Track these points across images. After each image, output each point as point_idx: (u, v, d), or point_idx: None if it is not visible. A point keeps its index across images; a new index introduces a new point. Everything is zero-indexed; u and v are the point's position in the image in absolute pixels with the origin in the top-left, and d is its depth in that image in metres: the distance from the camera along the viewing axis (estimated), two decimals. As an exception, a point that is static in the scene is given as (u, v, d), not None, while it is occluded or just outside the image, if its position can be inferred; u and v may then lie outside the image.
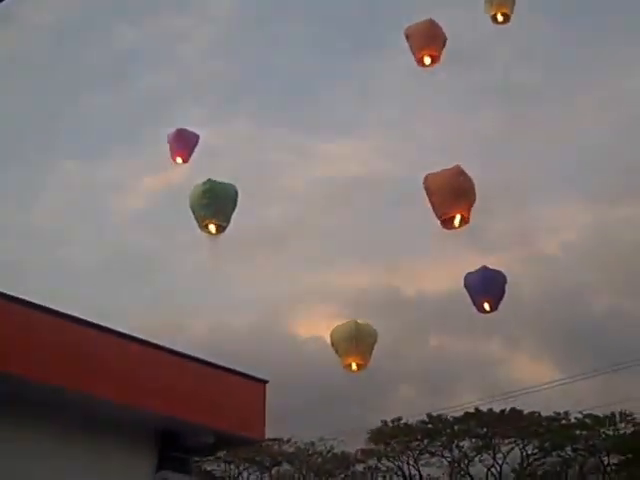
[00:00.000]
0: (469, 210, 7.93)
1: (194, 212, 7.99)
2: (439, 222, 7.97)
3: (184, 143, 9.58)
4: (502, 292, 8.56)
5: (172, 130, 9.90)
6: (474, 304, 8.36)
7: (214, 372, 22.27)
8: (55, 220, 69.50)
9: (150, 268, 71.46)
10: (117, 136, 70.32)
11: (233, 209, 8.02)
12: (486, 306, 8.39)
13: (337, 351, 8.34)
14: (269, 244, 71.09)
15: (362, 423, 42.34)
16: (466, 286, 8.42)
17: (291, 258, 71.97)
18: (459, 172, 7.82)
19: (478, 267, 8.61)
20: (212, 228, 7.99)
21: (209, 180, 7.88)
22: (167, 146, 9.81)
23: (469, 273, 8.48)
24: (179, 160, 9.13)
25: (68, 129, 66.70)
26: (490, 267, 8.54)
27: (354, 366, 8.38)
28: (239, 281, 72.47)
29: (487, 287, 8.45)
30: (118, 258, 70.57)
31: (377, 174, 64.91)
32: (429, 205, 7.92)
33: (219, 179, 8.05)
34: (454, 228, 7.99)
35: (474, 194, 7.98)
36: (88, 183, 70.19)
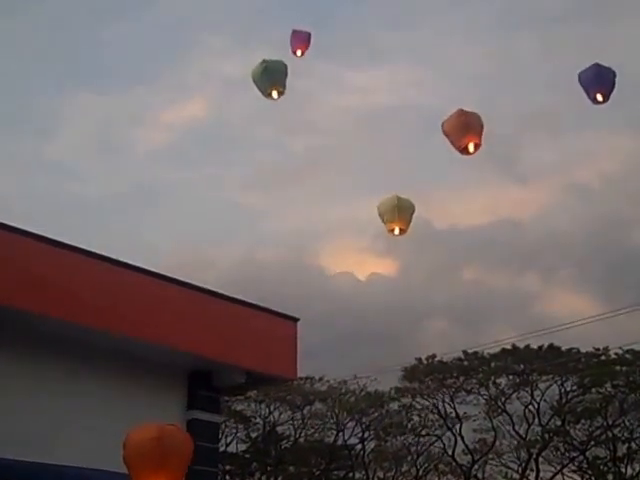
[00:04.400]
0: (479, 137, 9.59)
1: (258, 86, 10.01)
2: (460, 153, 9.67)
3: (301, 39, 11.33)
4: (612, 85, 10.11)
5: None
6: (588, 97, 9.91)
7: (244, 310, 21.51)
8: (73, 155, 68.77)
9: (172, 203, 70.81)
10: (136, 69, 69.16)
11: (285, 78, 10.01)
12: (599, 97, 10.00)
13: (383, 220, 9.91)
14: (296, 177, 70.19)
15: (396, 361, 41.66)
16: (580, 82, 9.99)
17: (319, 191, 71.05)
18: (460, 113, 9.60)
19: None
20: (275, 94, 10.00)
21: (264, 60, 9.94)
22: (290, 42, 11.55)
23: (582, 71, 10.07)
24: (299, 52, 10.78)
25: (86, 62, 65.58)
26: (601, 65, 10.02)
27: (397, 231, 9.90)
28: (266, 215, 71.98)
29: (600, 80, 10.00)
30: (139, 193, 69.93)
31: (408, 104, 63.40)
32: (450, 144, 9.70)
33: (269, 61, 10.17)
34: (472, 154, 9.64)
35: (479, 124, 9.61)
36: (107, 117, 69.32)
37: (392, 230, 10.01)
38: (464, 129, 9.63)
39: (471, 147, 9.65)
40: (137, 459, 7.93)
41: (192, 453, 8.09)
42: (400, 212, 9.91)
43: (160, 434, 7.91)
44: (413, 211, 10.01)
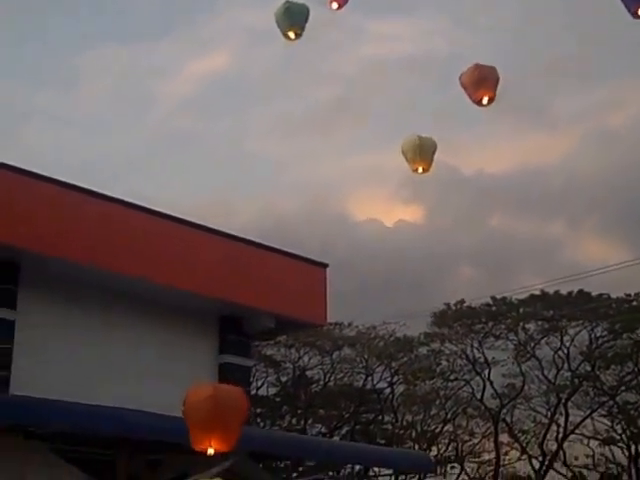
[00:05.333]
0: (493, 91, 9.83)
1: (278, 24, 10.15)
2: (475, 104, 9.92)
3: None
4: None
5: None
6: (629, 12, 9.52)
7: (274, 256, 21.72)
8: (97, 107, 68.83)
9: (196, 154, 70.87)
10: (160, 21, 68.90)
11: (306, 21, 10.20)
12: None
13: (406, 159, 10.12)
14: (321, 126, 69.94)
15: (424, 306, 41.78)
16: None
17: (344, 140, 70.75)
18: (476, 67, 9.82)
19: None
20: (292, 35, 10.18)
21: (287, 1, 10.08)
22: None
23: None
24: (335, 5, 10.62)
25: (109, 14, 65.31)
26: None
27: (420, 170, 10.09)
28: (292, 165, 71.91)
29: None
30: (162, 145, 70.02)
31: (433, 52, 62.81)
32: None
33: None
34: (486, 106, 9.90)
35: (494, 78, 9.82)
36: (130, 69, 69.21)
37: (415, 169, 10.13)
38: (479, 83, 9.80)
39: (485, 100, 9.85)
40: (194, 418, 8.24)
41: (247, 411, 8.42)
42: (422, 151, 10.02)
43: (215, 393, 8.20)
44: (435, 149, 10.12)
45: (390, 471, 39.75)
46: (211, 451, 8.37)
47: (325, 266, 22.90)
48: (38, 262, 17.70)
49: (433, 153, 10.09)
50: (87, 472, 14.17)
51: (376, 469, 39.77)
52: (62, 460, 13.67)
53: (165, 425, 14.51)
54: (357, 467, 19.45)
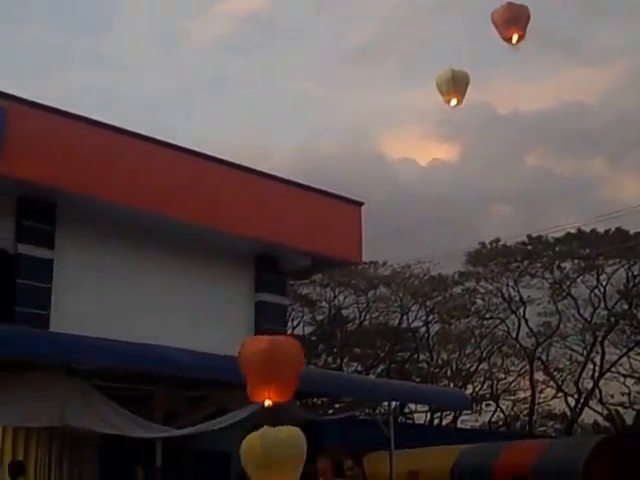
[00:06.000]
0: (523, 30, 10.04)
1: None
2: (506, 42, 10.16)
3: None
4: None
5: None
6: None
7: (309, 195, 21.69)
8: (134, 48, 68.59)
9: (232, 93, 70.58)
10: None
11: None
12: None
13: (440, 92, 10.29)
14: (357, 65, 69.31)
15: (459, 245, 41.70)
16: None
17: (380, 79, 70.14)
18: (507, 6, 10.07)
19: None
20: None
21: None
22: None
23: None
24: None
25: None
26: None
27: (453, 102, 10.27)
28: (327, 104, 71.44)
29: None
30: (199, 84, 69.77)
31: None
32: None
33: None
34: (515, 45, 10.13)
35: (525, 17, 10.02)
36: (165, 8, 68.73)
37: (448, 101, 10.39)
38: (510, 21, 10.08)
39: (514, 39, 10.13)
40: (250, 370, 8.41)
41: (303, 362, 8.55)
42: (455, 83, 10.27)
43: (270, 346, 8.30)
44: (468, 82, 10.39)
45: (425, 408, 40.09)
46: (269, 402, 8.50)
47: (360, 204, 22.84)
48: (74, 202, 17.80)
49: (466, 85, 10.32)
50: (127, 408, 14.33)
51: (412, 406, 40.05)
52: (102, 396, 13.83)
53: (203, 362, 14.65)
54: (393, 404, 19.54)
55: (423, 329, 43.75)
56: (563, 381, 42.41)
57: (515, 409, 44.45)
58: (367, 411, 19.74)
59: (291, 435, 8.57)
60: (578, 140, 59.57)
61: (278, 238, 20.62)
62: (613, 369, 40.98)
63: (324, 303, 42.99)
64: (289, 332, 28.96)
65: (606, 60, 65.01)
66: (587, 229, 39.84)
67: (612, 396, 41.61)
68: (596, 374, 40.69)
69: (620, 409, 41.33)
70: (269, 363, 8.29)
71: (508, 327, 42.41)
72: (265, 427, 8.18)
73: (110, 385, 14.52)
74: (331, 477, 11.76)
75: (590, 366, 40.99)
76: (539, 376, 42.74)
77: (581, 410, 41.29)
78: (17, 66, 60.16)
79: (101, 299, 18.12)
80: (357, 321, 43.72)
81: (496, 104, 65.49)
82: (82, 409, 13.49)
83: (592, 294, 40.43)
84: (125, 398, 14.92)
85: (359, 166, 59.79)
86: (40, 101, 17.44)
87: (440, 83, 10.49)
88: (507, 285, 41.67)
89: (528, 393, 42.74)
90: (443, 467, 19.59)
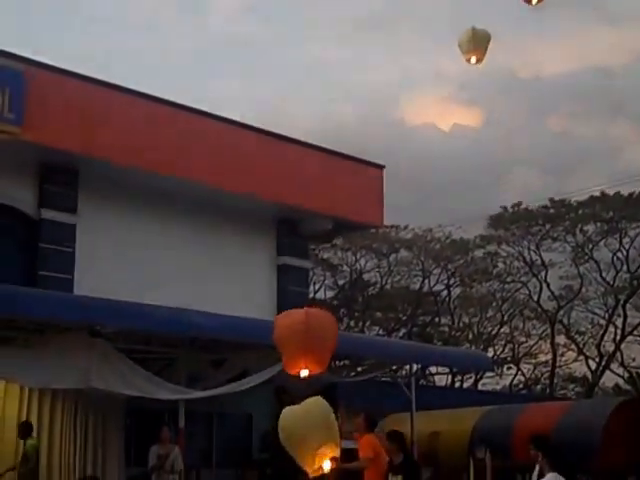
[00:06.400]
0: None
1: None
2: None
3: None
4: None
5: None
6: None
7: (330, 158, 21.69)
8: (157, 12, 68.37)
9: (253, 58, 70.31)
10: None
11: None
12: None
13: (461, 51, 10.29)
14: (378, 30, 68.86)
15: (480, 209, 41.58)
16: None
17: (401, 44, 69.65)
18: None
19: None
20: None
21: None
22: None
23: None
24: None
25: None
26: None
27: (473, 60, 10.27)
28: (347, 69, 71.08)
29: None
30: (220, 49, 69.53)
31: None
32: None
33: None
34: (536, 3, 9.63)
35: None
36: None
37: (469, 59, 10.49)
38: None
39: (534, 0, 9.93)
40: (286, 343, 8.51)
41: (337, 335, 8.67)
42: (476, 42, 10.34)
43: (307, 318, 8.41)
44: (489, 40, 10.49)
45: (447, 371, 40.24)
46: (305, 373, 8.64)
47: (381, 167, 22.82)
48: (96, 167, 17.88)
49: (487, 43, 10.35)
50: (150, 370, 14.47)
51: (432, 369, 40.21)
52: (126, 358, 13.96)
53: (226, 325, 14.75)
54: (415, 367, 19.64)
55: (444, 293, 43.80)
56: (584, 344, 42.40)
57: (536, 372, 44.55)
58: (389, 374, 19.82)
59: (319, 407, 8.78)
60: (602, 103, 59.16)
61: (300, 201, 20.66)
62: (635, 332, 40.89)
63: (345, 267, 43.05)
64: (310, 296, 29.05)
65: (633, 21, 64.24)
66: (610, 192, 39.61)
67: (633, 359, 41.66)
68: (617, 337, 40.64)
69: (641, 372, 41.35)
70: (305, 335, 8.42)
71: (529, 290, 42.40)
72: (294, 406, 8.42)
73: (133, 348, 14.67)
74: (365, 431, 12.03)
75: (612, 329, 40.97)
76: (560, 339, 42.75)
77: (602, 373, 41.31)
78: (34, 29, 60.19)
79: (124, 264, 18.24)
80: (378, 285, 43.76)
81: (518, 67, 65.08)
82: (106, 371, 13.62)
83: (614, 257, 40.31)
84: (148, 361, 15.09)
85: (380, 131, 59.61)
86: (60, 65, 17.47)
87: (461, 41, 10.50)
88: (529, 249, 41.56)
89: (549, 356, 42.78)
90: (464, 428, 19.71)
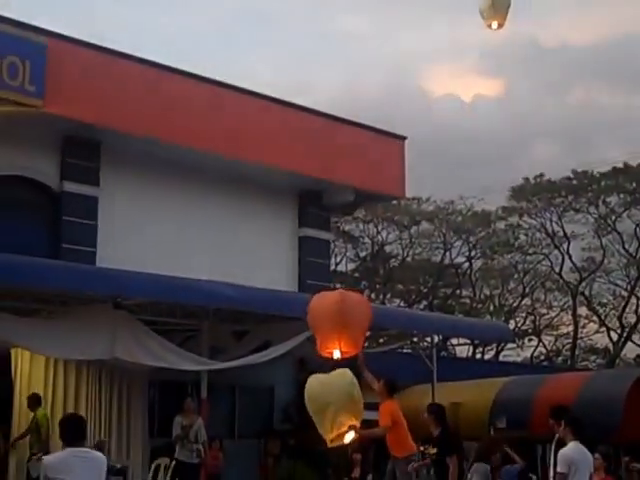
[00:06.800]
0: None
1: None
2: None
3: None
4: None
5: None
6: None
7: (353, 130, 21.64)
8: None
9: (274, 29, 70.01)
10: None
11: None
12: None
13: (482, 17, 10.16)
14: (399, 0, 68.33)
15: (502, 181, 41.40)
16: None
17: (422, 13, 69.18)
18: None
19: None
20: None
21: None
22: None
23: None
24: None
25: None
26: None
27: (495, 25, 10.15)
28: (368, 39, 70.70)
29: None
30: (241, 19, 69.28)
31: None
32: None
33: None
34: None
35: None
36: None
37: (490, 25, 10.39)
38: None
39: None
40: (319, 323, 8.69)
41: (371, 315, 8.75)
42: (496, 6, 10.22)
43: (341, 299, 8.51)
44: (509, 5, 10.38)
45: (468, 342, 40.24)
46: (338, 354, 8.74)
47: (403, 138, 22.75)
48: (119, 139, 17.91)
49: (507, 8, 10.29)
50: (173, 342, 14.57)
51: (454, 341, 40.25)
52: (149, 330, 14.06)
53: (248, 296, 14.81)
54: (436, 338, 19.67)
55: (466, 265, 43.71)
56: (606, 316, 42.29)
57: (557, 344, 44.49)
58: (410, 345, 19.87)
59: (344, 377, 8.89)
60: (626, 73, 58.50)
61: (322, 173, 20.64)
62: (657, 304, 40.77)
63: (367, 239, 43.07)
64: (332, 268, 29.10)
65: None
66: (634, 163, 39.27)
67: (656, 331, 41.51)
68: (639, 308, 40.49)
69: (664, 343, 41.21)
70: (338, 316, 8.51)
71: (551, 262, 42.27)
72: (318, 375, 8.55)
73: (156, 319, 14.79)
74: (387, 397, 12.06)
75: (633, 300, 40.81)
76: (582, 311, 42.67)
77: (624, 344, 41.21)
78: (56, 1, 60.10)
79: (146, 236, 18.31)
80: (400, 257, 43.76)
81: (541, 37, 64.49)
82: (130, 342, 13.75)
83: (637, 229, 40.03)
84: (171, 333, 15.20)
85: (402, 103, 59.36)
86: (82, 38, 17.49)
87: (482, 7, 10.45)
88: (551, 220, 41.40)
89: (570, 328, 42.70)
90: (485, 399, 19.76)
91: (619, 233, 40.47)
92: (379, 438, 12.77)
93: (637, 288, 40.50)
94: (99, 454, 7.56)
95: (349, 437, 10.17)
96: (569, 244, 41.30)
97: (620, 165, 39.54)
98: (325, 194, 21.57)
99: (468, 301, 44.10)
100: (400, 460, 12.13)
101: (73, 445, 7.12)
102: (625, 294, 41.21)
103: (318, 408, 9.13)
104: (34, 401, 14.72)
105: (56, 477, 6.94)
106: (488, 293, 44.22)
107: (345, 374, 8.96)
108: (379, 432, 12.12)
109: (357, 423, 9.91)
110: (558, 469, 9.26)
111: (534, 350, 43.96)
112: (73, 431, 7.25)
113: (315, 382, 8.87)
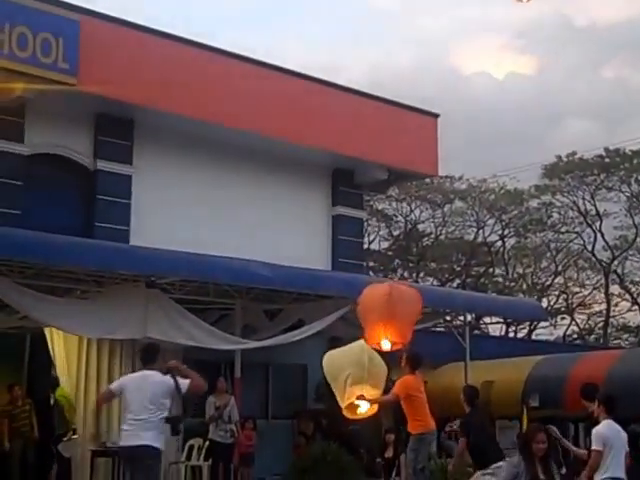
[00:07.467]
0: None
1: None
2: None
3: None
4: None
5: None
6: None
7: (385, 107, 21.49)
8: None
9: (307, 8, 69.72)
10: None
11: None
12: None
13: None
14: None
15: (535, 159, 41.06)
16: None
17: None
18: None
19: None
20: None
21: None
22: None
23: None
24: None
25: None
26: None
27: None
28: (401, 17, 70.19)
29: None
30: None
31: None
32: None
33: None
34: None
35: None
36: None
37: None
38: None
39: None
40: (368, 314, 8.84)
41: (421, 308, 8.75)
42: None
43: (390, 291, 8.68)
44: None
45: (501, 320, 40.07)
46: (386, 345, 8.74)
47: (436, 116, 22.58)
48: (152, 118, 17.89)
49: None
50: (206, 321, 14.57)
51: (487, 319, 40.09)
52: (182, 309, 14.06)
53: (282, 274, 14.76)
54: (469, 316, 19.57)
55: (499, 243, 43.48)
56: (638, 294, 42.01)
57: (590, 322, 44.27)
58: (443, 323, 19.77)
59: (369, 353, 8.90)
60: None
61: (355, 151, 20.54)
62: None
63: (400, 218, 42.93)
64: (365, 247, 29.03)
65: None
66: (668, 140, 38.80)
67: (688, 309, 41.15)
68: (673, 287, 40.20)
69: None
70: (387, 307, 8.54)
71: (584, 241, 41.99)
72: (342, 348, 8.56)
73: (189, 298, 14.77)
74: (409, 371, 11.92)
75: (667, 279, 40.49)
76: (614, 289, 42.40)
77: (657, 323, 40.94)
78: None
79: (179, 214, 18.30)
80: (433, 236, 43.61)
81: (574, 14, 63.75)
82: (163, 322, 13.75)
83: (672, 206, 39.63)
84: (204, 312, 15.19)
85: (435, 80, 58.97)
86: (115, 15, 17.43)
87: None
88: (583, 199, 41.08)
89: (603, 306, 42.46)
90: (518, 377, 19.64)
91: (652, 211, 40.08)
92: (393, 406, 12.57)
93: (671, 266, 40.16)
94: (154, 374, 9.44)
95: (364, 408, 10.19)
96: (601, 222, 40.98)
97: (654, 143, 39.09)
98: (358, 173, 21.47)
99: (501, 279, 43.91)
100: (412, 436, 12.01)
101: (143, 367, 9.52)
102: (658, 272, 40.89)
103: (333, 376, 9.19)
104: (53, 382, 14.90)
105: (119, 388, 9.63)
106: (521, 271, 44.01)
107: (359, 344, 9.00)
108: (388, 399, 11.82)
109: (365, 393, 9.92)
110: (593, 447, 9.23)
111: (567, 328, 43.79)
112: (141, 356, 9.77)
113: (332, 352, 8.94)
